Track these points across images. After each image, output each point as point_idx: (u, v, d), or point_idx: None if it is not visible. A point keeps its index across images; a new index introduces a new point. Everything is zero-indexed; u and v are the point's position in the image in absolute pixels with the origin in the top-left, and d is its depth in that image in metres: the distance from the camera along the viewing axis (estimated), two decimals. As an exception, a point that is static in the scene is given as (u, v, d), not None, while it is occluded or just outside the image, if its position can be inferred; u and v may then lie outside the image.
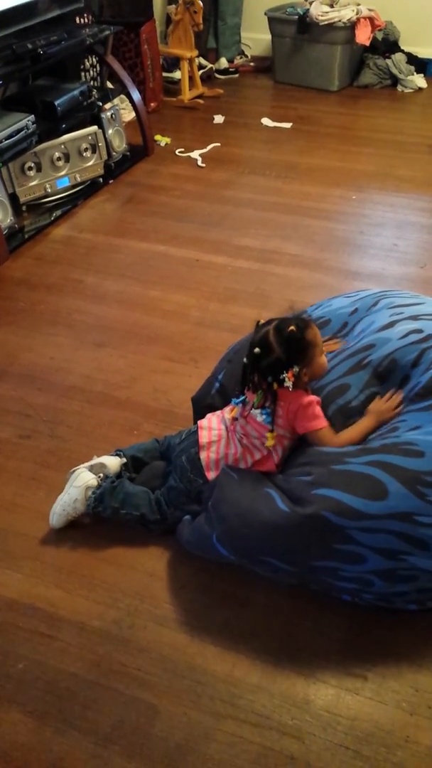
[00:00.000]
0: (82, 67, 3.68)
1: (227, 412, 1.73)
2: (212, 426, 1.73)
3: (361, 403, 1.64)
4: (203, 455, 1.69)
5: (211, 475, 1.68)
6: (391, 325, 1.74)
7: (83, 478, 1.75)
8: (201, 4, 4.24)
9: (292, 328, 1.55)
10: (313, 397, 1.62)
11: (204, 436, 1.71)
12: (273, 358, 1.55)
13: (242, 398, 1.67)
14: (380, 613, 1.56)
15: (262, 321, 1.63)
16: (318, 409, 1.62)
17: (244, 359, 1.62)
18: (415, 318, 1.74)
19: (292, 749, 1.35)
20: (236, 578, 1.65)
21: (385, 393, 1.64)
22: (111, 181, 3.62)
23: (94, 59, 3.73)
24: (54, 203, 3.35)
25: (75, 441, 2.04)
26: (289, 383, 1.55)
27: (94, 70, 3.77)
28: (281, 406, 1.61)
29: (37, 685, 1.45)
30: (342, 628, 1.55)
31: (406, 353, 1.64)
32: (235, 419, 1.69)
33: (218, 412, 1.78)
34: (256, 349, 1.57)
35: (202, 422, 1.75)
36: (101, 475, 1.77)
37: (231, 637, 1.53)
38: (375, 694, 1.43)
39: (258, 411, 1.62)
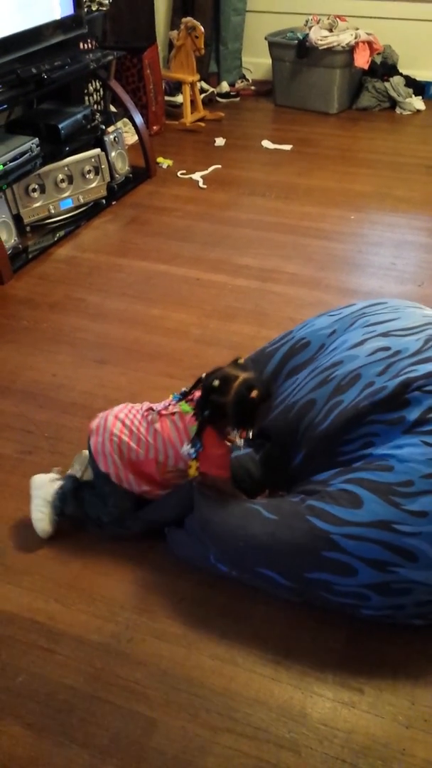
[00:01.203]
0: (85, 91, 3.75)
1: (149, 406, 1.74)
2: (113, 413, 1.73)
3: (323, 417, 1.66)
4: (101, 463, 1.70)
5: (99, 460, 1.69)
6: (361, 343, 1.76)
7: (40, 480, 1.83)
8: (202, 29, 4.32)
9: (254, 394, 1.53)
10: (229, 447, 1.66)
11: (95, 422, 1.73)
12: (222, 403, 1.55)
13: (179, 399, 1.69)
14: (376, 627, 1.57)
15: (241, 360, 1.63)
16: (228, 460, 1.68)
17: (204, 377, 1.61)
18: (385, 335, 1.76)
19: (289, 762, 1.35)
20: (234, 592, 1.66)
21: (348, 404, 1.64)
22: (114, 203, 3.67)
23: (97, 83, 3.80)
24: (57, 224, 3.40)
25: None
26: (228, 430, 1.61)
27: (98, 94, 3.84)
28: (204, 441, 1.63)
29: (36, 698, 1.47)
30: (339, 641, 1.56)
31: (372, 367, 1.66)
32: (160, 414, 1.69)
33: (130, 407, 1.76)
34: (216, 382, 1.55)
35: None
36: (58, 470, 1.87)
37: (229, 651, 1.55)
38: (371, 708, 1.44)
39: (188, 446, 1.63)
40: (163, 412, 1.69)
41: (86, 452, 1.83)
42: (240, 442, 1.64)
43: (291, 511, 1.56)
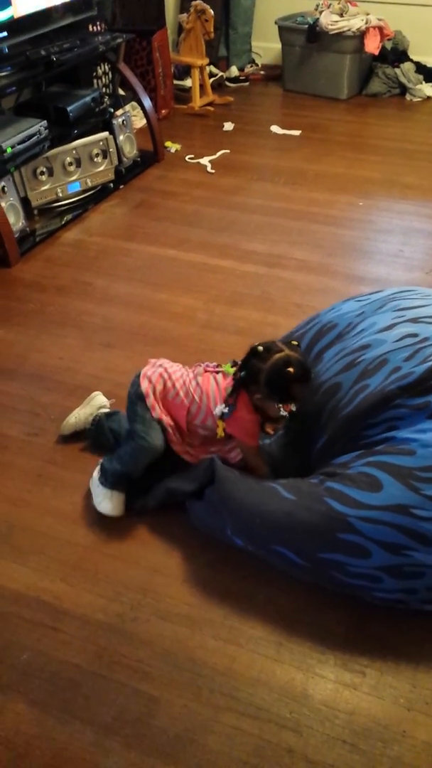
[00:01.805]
0: (94, 74, 3.73)
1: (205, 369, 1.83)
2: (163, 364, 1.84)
3: (349, 400, 1.67)
4: (144, 384, 1.79)
5: (143, 382, 1.79)
6: (390, 327, 1.77)
7: (99, 401, 2.08)
8: (212, 13, 4.29)
9: (290, 370, 1.63)
10: (257, 417, 1.73)
11: (147, 368, 1.83)
12: (258, 368, 1.66)
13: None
14: (379, 611, 1.58)
15: (295, 343, 1.74)
16: (257, 429, 1.75)
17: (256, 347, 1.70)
18: (414, 321, 1.77)
19: (290, 742, 1.37)
20: (238, 574, 1.68)
21: (374, 388, 1.66)
22: (121, 186, 3.66)
23: (106, 66, 3.78)
24: (65, 207, 3.40)
25: (81, 439, 2.07)
26: (258, 398, 1.68)
27: (106, 77, 3.82)
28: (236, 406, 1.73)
29: (40, 675, 1.48)
30: (341, 624, 1.57)
31: (400, 352, 1.67)
32: (213, 373, 1.80)
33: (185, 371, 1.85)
34: (260, 348, 1.67)
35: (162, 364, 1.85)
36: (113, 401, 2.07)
37: (232, 632, 1.56)
38: (373, 690, 1.45)
39: (222, 405, 1.72)
40: (209, 369, 1.79)
41: (99, 398, 2.07)
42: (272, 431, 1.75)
43: (309, 492, 1.58)
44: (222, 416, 1.72)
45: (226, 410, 1.71)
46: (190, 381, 1.79)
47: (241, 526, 1.64)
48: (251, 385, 1.68)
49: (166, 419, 1.78)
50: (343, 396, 1.69)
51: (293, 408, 1.68)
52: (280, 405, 1.66)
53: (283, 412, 1.67)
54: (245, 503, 1.62)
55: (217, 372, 1.80)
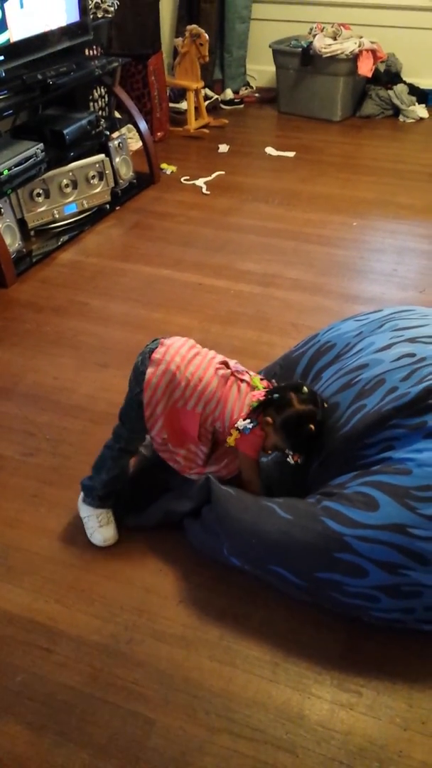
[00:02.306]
0: (90, 97, 3.77)
1: (229, 365, 1.75)
2: (181, 351, 1.73)
3: (346, 420, 1.68)
4: (150, 370, 1.70)
5: (147, 391, 1.69)
6: (388, 347, 1.78)
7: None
8: (207, 37, 4.36)
9: (311, 427, 1.65)
10: (263, 434, 1.70)
11: (160, 352, 1.71)
12: (287, 402, 1.66)
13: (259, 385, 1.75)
14: (375, 630, 1.57)
15: (306, 390, 1.69)
16: (259, 445, 1.72)
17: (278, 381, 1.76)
18: (412, 341, 1.78)
19: (286, 763, 1.36)
20: (233, 594, 1.67)
21: (370, 408, 1.67)
22: (117, 208, 3.69)
23: (102, 90, 3.83)
24: (61, 228, 3.43)
25: (77, 459, 2.07)
26: (269, 422, 1.67)
27: (103, 100, 3.86)
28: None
29: (35, 697, 1.47)
30: (338, 643, 1.57)
31: (397, 372, 1.68)
32: (238, 378, 1.73)
33: (208, 353, 1.78)
34: (305, 388, 1.69)
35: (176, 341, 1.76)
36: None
37: (227, 653, 1.55)
38: (369, 710, 1.44)
39: (247, 420, 1.68)
40: (237, 374, 1.73)
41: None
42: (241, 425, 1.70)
43: (306, 511, 1.58)
44: (246, 431, 1.68)
45: (250, 426, 1.68)
46: (209, 382, 1.70)
47: (237, 546, 1.64)
48: (271, 409, 1.67)
49: (158, 432, 1.73)
50: (341, 416, 1.70)
51: (299, 460, 1.69)
52: (290, 452, 1.68)
53: (290, 460, 1.69)
54: (241, 523, 1.62)
55: (242, 381, 1.73)
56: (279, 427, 1.66)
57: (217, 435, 1.77)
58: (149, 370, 1.69)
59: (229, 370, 1.73)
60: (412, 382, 1.63)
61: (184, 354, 1.71)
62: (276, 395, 1.67)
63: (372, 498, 1.50)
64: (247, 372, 1.76)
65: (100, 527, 1.80)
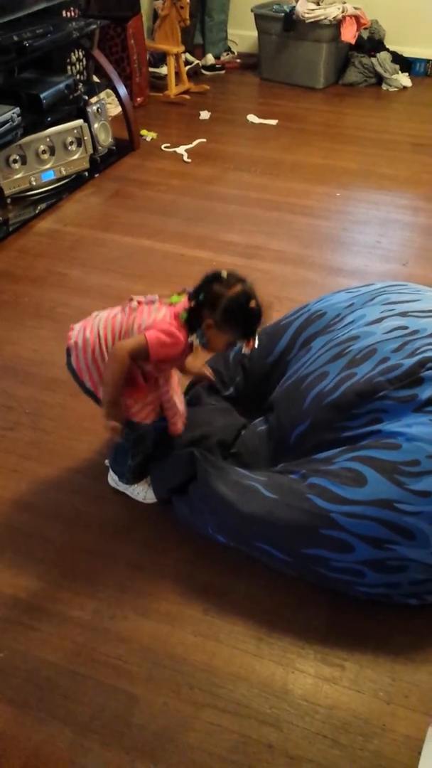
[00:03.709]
0: (68, 60, 3.67)
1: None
2: (87, 324, 1.68)
3: (334, 387, 1.66)
4: (72, 359, 1.68)
5: (85, 379, 1.67)
6: (379, 320, 1.77)
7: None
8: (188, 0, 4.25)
9: (253, 305, 1.51)
10: (175, 333, 1.56)
11: (71, 337, 1.67)
12: (220, 294, 1.51)
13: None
14: (359, 604, 1.58)
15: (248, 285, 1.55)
16: (163, 338, 1.55)
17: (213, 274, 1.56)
18: (404, 315, 1.77)
19: (271, 738, 1.36)
20: (216, 569, 1.66)
21: (360, 377, 1.65)
22: (96, 175, 3.61)
23: (80, 53, 3.72)
24: (39, 196, 3.34)
25: (57, 434, 2.04)
26: (209, 324, 1.54)
27: (81, 64, 3.76)
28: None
29: (17, 674, 1.46)
30: (320, 618, 1.57)
31: (388, 344, 1.67)
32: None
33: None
34: (224, 273, 1.53)
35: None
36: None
37: (211, 628, 1.55)
38: (352, 684, 1.45)
39: (192, 336, 1.58)
40: (145, 301, 1.63)
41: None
42: (196, 341, 1.58)
43: (291, 489, 1.57)
44: (199, 345, 1.59)
45: (200, 339, 1.57)
46: (115, 320, 1.63)
47: (222, 525, 1.63)
48: (206, 310, 1.53)
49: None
50: (329, 383, 1.68)
51: (255, 344, 1.56)
52: (242, 342, 1.55)
53: (245, 350, 1.56)
54: (226, 503, 1.60)
55: (152, 302, 1.62)
56: (222, 323, 1.53)
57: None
58: (72, 360, 1.68)
59: (135, 302, 1.63)
60: (404, 353, 1.62)
61: (86, 322, 1.68)
62: (200, 295, 1.54)
63: (360, 474, 1.49)
64: (160, 296, 1.64)
65: (137, 491, 1.84)
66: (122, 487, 1.85)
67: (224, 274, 1.54)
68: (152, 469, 1.81)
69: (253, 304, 1.51)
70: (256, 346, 1.57)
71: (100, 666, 1.48)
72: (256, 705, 1.41)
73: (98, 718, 1.39)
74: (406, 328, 1.71)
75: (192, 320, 1.56)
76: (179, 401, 1.77)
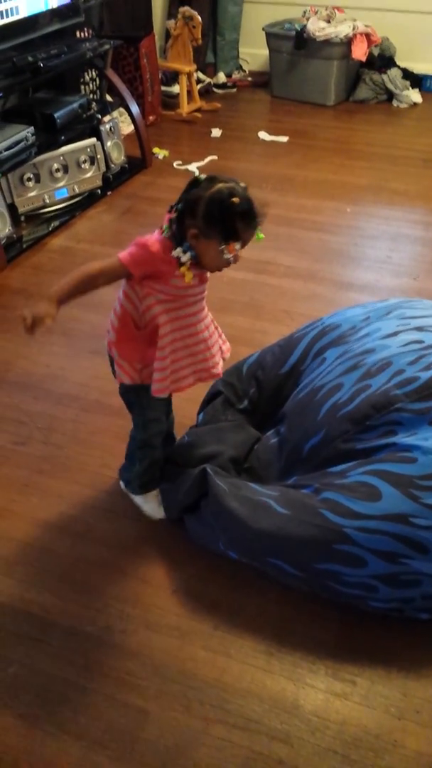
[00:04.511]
0: (81, 80, 3.72)
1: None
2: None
3: (349, 399, 1.67)
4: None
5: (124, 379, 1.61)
6: (395, 334, 1.78)
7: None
8: (200, 19, 4.30)
9: (235, 200, 1.37)
10: (142, 241, 1.46)
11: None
12: (198, 196, 1.39)
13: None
14: (369, 619, 1.57)
15: (243, 184, 1.44)
16: (138, 255, 1.47)
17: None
18: (419, 329, 1.78)
19: (281, 753, 1.36)
20: (227, 585, 1.66)
21: (375, 389, 1.65)
22: (109, 193, 3.65)
23: (93, 73, 3.77)
24: (52, 214, 3.38)
25: (69, 448, 2.05)
26: (193, 234, 1.41)
27: (94, 83, 3.81)
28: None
29: (28, 688, 1.46)
30: (331, 633, 1.56)
31: (404, 356, 1.67)
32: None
33: None
34: (202, 176, 1.43)
35: None
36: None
37: (221, 643, 1.55)
38: (363, 699, 1.44)
39: (178, 251, 1.45)
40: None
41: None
42: (186, 257, 1.44)
43: (303, 504, 1.56)
44: (189, 260, 1.44)
45: (188, 253, 1.43)
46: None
47: (233, 541, 1.63)
48: (188, 219, 1.40)
49: (138, 363, 1.59)
50: (343, 394, 1.69)
51: (238, 249, 1.42)
52: (224, 246, 1.40)
53: (227, 255, 1.41)
54: (237, 520, 1.59)
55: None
56: (206, 227, 1.39)
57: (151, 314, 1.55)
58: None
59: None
60: (420, 366, 1.62)
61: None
62: (179, 205, 1.42)
63: (375, 488, 1.49)
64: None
65: (145, 502, 1.83)
66: (132, 496, 1.86)
67: (200, 177, 1.42)
68: (164, 491, 1.81)
69: (236, 199, 1.37)
70: (238, 252, 1.42)
71: (110, 681, 1.48)
72: (267, 720, 1.41)
73: (108, 732, 1.39)
74: (421, 342, 1.71)
75: (176, 233, 1.43)
76: (219, 335, 1.69)
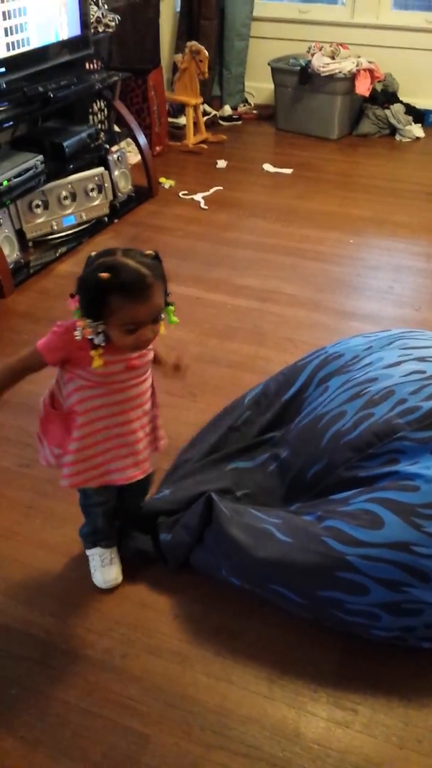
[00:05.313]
0: (90, 110, 3.79)
1: None
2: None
3: (351, 427, 1.68)
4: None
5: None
6: (397, 364, 1.81)
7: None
8: (206, 53, 4.39)
9: (103, 275, 1.25)
10: (58, 324, 1.38)
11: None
12: (77, 285, 1.31)
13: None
14: (371, 647, 1.57)
15: (150, 252, 1.35)
16: (51, 341, 1.40)
17: None
18: (421, 360, 1.81)
19: (282, 781, 1.35)
20: (230, 610, 1.66)
21: (378, 418, 1.67)
22: (116, 221, 3.70)
23: (102, 103, 3.85)
24: (60, 240, 3.43)
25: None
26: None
27: (102, 113, 3.88)
28: None
29: (29, 711, 1.46)
30: (333, 661, 1.56)
31: (406, 386, 1.69)
32: None
33: None
34: (92, 253, 1.34)
35: None
36: None
37: (223, 668, 1.54)
38: (365, 728, 1.44)
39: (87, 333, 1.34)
40: None
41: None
42: (99, 339, 1.33)
43: (306, 532, 1.57)
44: (100, 345, 1.33)
45: (99, 335, 1.32)
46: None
47: (235, 569, 1.64)
48: (83, 302, 1.31)
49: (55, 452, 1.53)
50: (347, 422, 1.70)
51: (132, 329, 1.31)
52: (115, 326, 1.30)
53: (128, 336, 1.30)
54: (239, 547, 1.59)
55: None
56: (86, 307, 1.29)
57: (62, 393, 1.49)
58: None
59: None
60: (422, 396, 1.64)
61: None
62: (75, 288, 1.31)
63: (377, 516, 1.50)
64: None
65: (102, 567, 1.71)
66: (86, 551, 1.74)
67: (93, 253, 1.31)
68: (164, 542, 1.74)
69: (104, 275, 1.24)
70: (103, 333, 1.31)
71: (111, 705, 1.47)
72: (268, 747, 1.40)
73: (109, 757, 1.38)
74: (423, 372, 1.74)
75: (87, 320, 1.32)
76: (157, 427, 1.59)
